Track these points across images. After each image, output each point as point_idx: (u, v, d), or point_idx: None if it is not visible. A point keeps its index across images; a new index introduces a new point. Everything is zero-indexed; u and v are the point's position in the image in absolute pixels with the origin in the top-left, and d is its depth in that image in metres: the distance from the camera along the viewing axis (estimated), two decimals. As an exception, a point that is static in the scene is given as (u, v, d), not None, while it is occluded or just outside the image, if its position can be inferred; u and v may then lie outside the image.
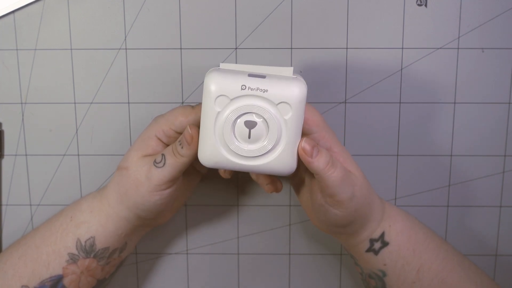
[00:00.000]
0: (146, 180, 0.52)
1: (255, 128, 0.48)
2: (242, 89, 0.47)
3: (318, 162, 0.48)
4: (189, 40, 0.59)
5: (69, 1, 0.59)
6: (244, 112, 0.48)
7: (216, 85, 0.47)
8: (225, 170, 0.54)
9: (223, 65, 0.50)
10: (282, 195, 0.63)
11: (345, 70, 0.60)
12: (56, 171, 0.62)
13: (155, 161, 0.52)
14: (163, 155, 0.52)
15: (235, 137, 0.49)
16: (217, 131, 0.48)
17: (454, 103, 0.60)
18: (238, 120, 0.48)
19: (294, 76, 0.49)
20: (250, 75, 0.48)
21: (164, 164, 0.51)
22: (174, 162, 0.51)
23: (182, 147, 0.51)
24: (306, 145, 0.48)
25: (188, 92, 0.60)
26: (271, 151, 0.49)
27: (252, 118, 0.48)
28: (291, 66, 0.59)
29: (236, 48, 0.59)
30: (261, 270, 0.65)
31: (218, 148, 0.49)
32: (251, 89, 0.47)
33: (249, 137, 0.48)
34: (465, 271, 0.54)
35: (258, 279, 0.65)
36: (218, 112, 0.48)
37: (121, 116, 0.61)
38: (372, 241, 0.54)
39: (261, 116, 0.48)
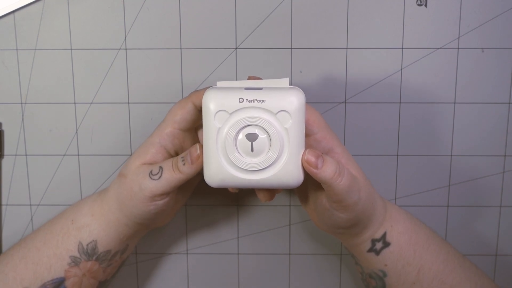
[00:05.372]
0: (139, 191, 0.51)
1: (257, 140, 0.48)
2: (239, 102, 0.47)
3: (325, 173, 0.48)
4: (189, 40, 0.59)
5: (69, 1, 0.59)
6: (244, 125, 0.48)
7: (214, 101, 0.47)
8: None
9: (219, 83, 0.50)
10: (282, 195, 0.63)
11: (345, 70, 0.60)
12: (56, 171, 0.62)
13: (151, 172, 0.51)
14: (161, 167, 0.51)
15: (238, 151, 0.48)
16: (220, 147, 0.48)
17: (454, 103, 0.60)
18: (240, 134, 0.48)
19: (291, 87, 0.49)
20: (247, 88, 0.48)
21: (160, 177, 0.50)
22: (170, 177, 0.50)
23: (184, 164, 0.50)
24: (309, 156, 0.48)
25: (188, 92, 0.60)
26: (275, 162, 0.48)
27: (253, 130, 0.48)
28: (291, 68, 0.59)
29: (236, 48, 0.59)
30: (261, 270, 0.65)
31: (223, 165, 0.48)
32: (249, 101, 0.47)
33: (252, 150, 0.48)
34: (465, 273, 0.54)
35: (258, 279, 0.65)
36: (219, 128, 0.48)
37: (121, 116, 0.61)
38: (374, 241, 0.54)
39: (262, 127, 0.48)
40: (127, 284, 0.65)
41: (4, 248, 0.63)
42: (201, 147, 0.50)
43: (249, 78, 0.51)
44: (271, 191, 0.52)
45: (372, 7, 0.58)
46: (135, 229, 0.55)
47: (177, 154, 0.54)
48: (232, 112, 0.48)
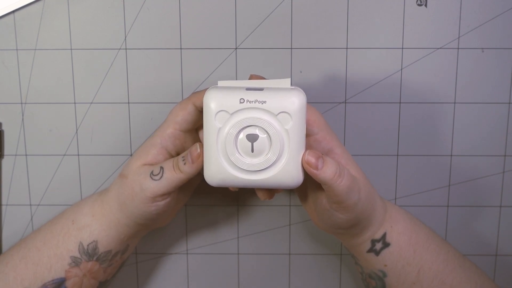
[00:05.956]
0: (141, 191, 0.51)
1: (257, 141, 0.48)
2: (240, 102, 0.47)
3: (325, 174, 0.48)
4: (189, 40, 0.59)
5: (69, 1, 0.59)
6: (245, 125, 0.48)
7: (215, 101, 0.47)
8: None
9: (221, 83, 0.50)
10: (282, 195, 0.63)
11: (345, 70, 0.60)
12: (56, 171, 0.62)
13: (152, 172, 0.51)
14: (161, 168, 0.51)
15: (238, 151, 0.48)
16: (220, 147, 0.48)
17: (454, 103, 0.60)
18: (240, 134, 0.48)
19: (292, 87, 0.49)
20: (248, 89, 0.48)
21: (161, 177, 0.51)
22: (171, 177, 0.50)
23: (184, 163, 0.50)
24: (310, 157, 0.48)
25: (188, 92, 0.60)
26: (275, 163, 0.48)
27: (254, 131, 0.48)
28: (291, 68, 0.59)
29: (236, 48, 0.59)
30: (261, 270, 0.65)
31: (223, 165, 0.48)
32: (250, 102, 0.47)
33: (252, 150, 0.48)
34: (465, 272, 0.54)
35: (258, 279, 0.65)
36: (219, 128, 0.48)
37: (121, 116, 0.61)
38: (373, 241, 0.54)
39: (262, 127, 0.48)
40: (127, 284, 0.65)
41: (4, 248, 0.63)
42: (201, 146, 0.50)
43: (251, 76, 0.51)
44: (271, 191, 0.53)
45: (372, 7, 0.58)
46: (136, 230, 0.55)
47: (178, 155, 0.54)
48: (233, 113, 0.47)
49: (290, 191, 0.63)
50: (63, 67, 0.60)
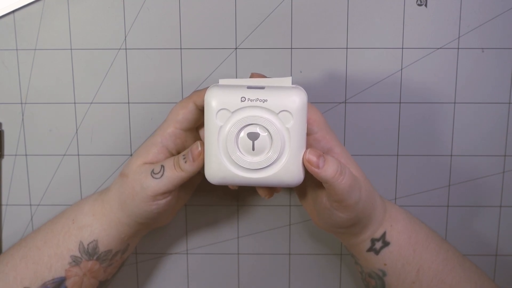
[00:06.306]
0: (141, 190, 0.51)
1: (258, 139, 0.48)
2: (241, 101, 0.47)
3: (326, 172, 0.48)
4: (189, 40, 0.59)
5: (69, 1, 0.59)
6: (246, 124, 0.48)
7: (216, 99, 0.48)
8: None
9: (222, 81, 0.50)
10: (282, 195, 0.63)
11: (345, 70, 0.60)
12: (56, 171, 0.62)
13: (153, 171, 0.51)
14: (162, 166, 0.51)
15: (239, 150, 0.48)
16: (221, 145, 0.48)
17: (454, 103, 0.60)
18: (241, 132, 0.48)
19: (294, 86, 0.49)
20: (249, 87, 0.48)
21: (162, 175, 0.51)
22: (172, 175, 0.50)
23: (185, 162, 0.50)
24: (311, 156, 0.48)
25: (188, 92, 0.60)
26: (276, 161, 0.48)
27: (255, 129, 0.48)
28: (291, 68, 0.59)
29: (236, 48, 0.60)
30: (261, 270, 0.65)
31: (224, 163, 0.48)
32: (251, 100, 0.47)
33: (253, 149, 0.48)
34: (465, 272, 0.54)
35: (258, 279, 0.65)
36: (221, 127, 0.48)
37: (121, 116, 0.61)
38: (373, 240, 0.54)
39: (263, 126, 0.48)
40: (127, 284, 0.65)
41: (4, 248, 0.63)
42: (202, 144, 0.50)
43: (252, 75, 0.51)
44: (271, 189, 0.53)
45: (372, 7, 0.58)
46: (136, 229, 0.55)
47: (178, 154, 0.54)
48: (234, 111, 0.48)
49: (289, 190, 0.63)
50: (63, 67, 0.60)
